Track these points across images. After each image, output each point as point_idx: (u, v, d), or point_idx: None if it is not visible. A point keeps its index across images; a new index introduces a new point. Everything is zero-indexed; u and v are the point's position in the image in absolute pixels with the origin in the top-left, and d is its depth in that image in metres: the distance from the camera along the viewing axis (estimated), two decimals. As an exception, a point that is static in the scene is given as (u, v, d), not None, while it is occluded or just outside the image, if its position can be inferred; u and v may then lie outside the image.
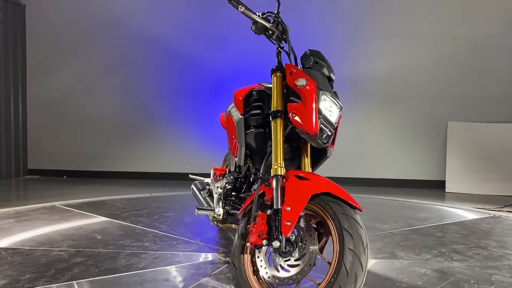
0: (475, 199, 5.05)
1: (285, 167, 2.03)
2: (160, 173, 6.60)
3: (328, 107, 1.86)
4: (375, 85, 6.05)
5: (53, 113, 6.89)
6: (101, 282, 2.16)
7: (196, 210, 2.48)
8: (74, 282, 2.15)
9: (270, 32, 1.97)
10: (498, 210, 4.30)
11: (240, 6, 1.87)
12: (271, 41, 2.04)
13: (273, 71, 1.95)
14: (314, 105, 1.79)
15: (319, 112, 1.81)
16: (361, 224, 1.61)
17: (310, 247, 1.63)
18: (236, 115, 2.15)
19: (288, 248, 1.63)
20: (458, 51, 5.87)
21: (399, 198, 5.02)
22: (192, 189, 2.88)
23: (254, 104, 2.17)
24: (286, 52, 2.02)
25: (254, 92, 2.19)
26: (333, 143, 1.96)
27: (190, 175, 3.03)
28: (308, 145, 1.99)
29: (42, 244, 2.86)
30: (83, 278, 2.20)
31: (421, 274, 2.31)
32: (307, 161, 1.98)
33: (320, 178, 1.73)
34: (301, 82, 1.84)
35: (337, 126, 1.97)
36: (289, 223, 1.61)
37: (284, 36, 2.00)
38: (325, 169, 7.37)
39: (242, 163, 2.16)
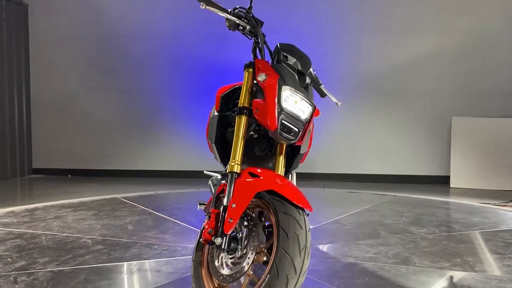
0: (480, 194, 5.02)
1: (261, 165, 2.02)
2: (165, 171, 6.69)
3: (292, 102, 1.79)
4: (378, 80, 6.05)
5: (57, 113, 6.98)
6: (98, 269, 2.33)
7: (198, 205, 2.54)
8: (78, 267, 2.35)
9: (241, 27, 1.96)
10: (503, 205, 4.24)
11: (201, 3, 1.86)
12: (247, 36, 2.02)
13: (245, 67, 1.93)
14: (273, 100, 1.75)
15: (280, 107, 1.76)
16: (302, 225, 1.52)
17: (252, 245, 1.60)
18: (213, 112, 2.16)
19: (233, 245, 1.62)
20: (462, 46, 5.83)
21: (443, 198, 4.60)
22: (209, 184, 2.96)
23: (237, 101, 2.17)
24: (259, 48, 1.98)
25: (238, 90, 2.19)
26: (302, 139, 1.88)
27: (205, 171, 3.11)
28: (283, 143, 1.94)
29: (79, 232, 3.17)
30: (88, 264, 2.40)
31: (421, 283, 2.12)
32: (280, 159, 1.93)
33: (273, 175, 1.68)
34: (262, 77, 1.80)
35: (309, 122, 1.89)
36: (232, 220, 1.59)
37: (256, 31, 1.96)
38: (330, 166, 6.79)
39: (219, 160, 2.17)
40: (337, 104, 2.40)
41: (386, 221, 3.55)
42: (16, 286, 2.07)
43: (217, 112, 2.08)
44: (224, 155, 2.11)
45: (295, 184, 2.97)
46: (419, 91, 5.98)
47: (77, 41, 6.83)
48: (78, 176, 6.88)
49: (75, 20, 6.81)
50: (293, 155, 2.02)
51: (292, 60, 1.88)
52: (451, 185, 5.60)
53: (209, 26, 6.03)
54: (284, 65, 1.87)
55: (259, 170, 1.71)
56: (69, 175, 6.91)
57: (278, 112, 1.74)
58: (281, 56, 1.89)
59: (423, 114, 5.99)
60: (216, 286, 1.69)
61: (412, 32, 5.94)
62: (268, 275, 1.47)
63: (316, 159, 5.99)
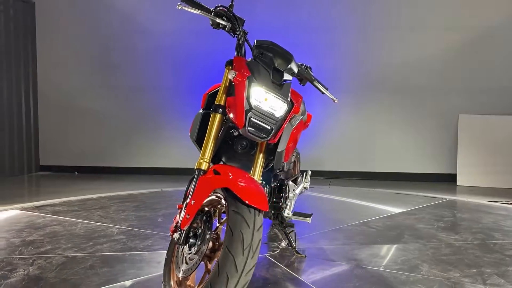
0: (487, 192, 5.02)
1: (242, 162, 2.03)
2: (173, 168, 6.66)
3: (262, 99, 1.77)
4: (385, 78, 6.03)
5: (64, 110, 7.05)
6: (106, 257, 2.51)
7: None
8: (91, 254, 2.55)
9: (221, 26, 1.98)
10: (511, 203, 4.21)
11: (178, 4, 1.90)
12: (230, 34, 2.04)
13: (226, 64, 1.96)
14: (242, 98, 1.75)
15: (249, 104, 1.76)
16: (249, 224, 1.51)
17: (205, 241, 1.63)
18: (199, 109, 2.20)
19: (192, 241, 1.66)
20: (469, 43, 5.80)
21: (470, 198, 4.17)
22: None
23: None
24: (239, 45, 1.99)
25: None
26: (276, 137, 1.85)
27: None
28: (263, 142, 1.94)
29: (113, 221, 3.42)
30: (100, 252, 2.58)
31: (414, 293, 1.98)
32: (259, 156, 1.92)
33: (235, 173, 1.67)
34: (231, 74, 1.81)
35: (286, 120, 1.86)
36: (189, 216, 1.64)
37: (240, 30, 1.97)
38: (336, 164, 6.21)
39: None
40: (333, 101, 2.32)
41: (418, 225, 3.34)
42: (30, 268, 2.31)
43: (201, 110, 2.13)
44: None
45: (306, 182, 2.93)
46: (425, 89, 5.95)
47: (83, 38, 6.90)
48: (84, 173, 6.98)
49: (81, 17, 6.87)
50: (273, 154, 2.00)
51: (267, 57, 1.85)
52: (458, 183, 5.58)
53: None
54: (259, 62, 1.85)
55: (222, 168, 1.72)
56: (76, 172, 6.99)
57: (246, 109, 1.74)
58: (257, 53, 1.88)
59: (430, 111, 5.95)
60: (180, 279, 1.74)
61: (420, 29, 5.92)
62: (211, 273, 1.49)
63: (323, 157, 5.94)
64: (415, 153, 6.05)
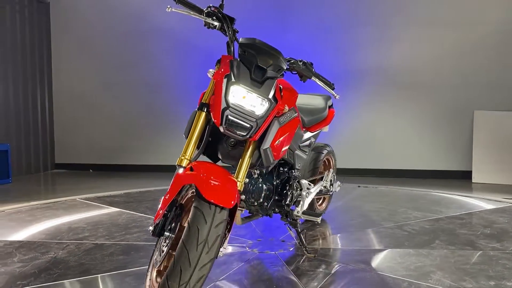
0: (503, 190, 4.92)
1: (232, 159, 2.06)
2: None
3: (240, 97, 1.79)
4: (399, 74, 5.93)
5: (78, 108, 7.12)
6: (127, 246, 2.70)
7: None
8: (116, 242, 2.77)
9: (212, 26, 2.03)
10: None
11: (168, 7, 1.98)
12: (223, 33, 2.08)
13: (216, 63, 2.00)
14: (220, 96, 1.79)
15: (226, 102, 1.78)
16: (207, 220, 1.54)
17: (173, 235, 1.70)
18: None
19: (166, 233, 1.75)
20: (484, 38, 5.63)
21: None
22: None
23: None
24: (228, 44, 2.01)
25: None
26: (257, 134, 1.85)
27: None
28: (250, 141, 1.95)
29: (154, 213, 3.64)
30: (125, 241, 2.80)
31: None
32: (246, 155, 1.93)
33: (207, 170, 1.69)
34: (210, 73, 1.86)
35: (267, 119, 1.86)
36: (161, 211, 1.73)
37: (229, 29, 2.00)
38: (347, 161, 5.96)
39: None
40: (335, 97, 2.25)
41: (460, 230, 3.07)
42: (60, 252, 2.59)
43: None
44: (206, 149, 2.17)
45: (327, 181, 2.84)
46: (440, 85, 5.82)
47: (97, 37, 6.96)
48: (98, 171, 7.04)
49: (94, 16, 6.95)
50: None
51: (250, 55, 1.86)
52: (473, 180, 5.49)
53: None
54: (240, 60, 1.88)
55: (200, 165, 1.77)
56: (91, 170, 7.06)
57: (224, 107, 1.78)
58: (241, 51, 1.89)
59: (445, 108, 5.83)
60: (160, 270, 1.84)
61: (435, 24, 5.76)
62: (169, 266, 1.56)
63: (335, 153, 5.68)
64: (429, 149, 5.93)
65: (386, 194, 4.59)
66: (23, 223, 3.36)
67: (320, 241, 2.85)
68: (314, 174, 3.11)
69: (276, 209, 2.39)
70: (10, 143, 6.03)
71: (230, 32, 1.99)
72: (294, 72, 2.16)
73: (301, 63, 2.15)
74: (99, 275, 2.20)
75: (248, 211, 2.44)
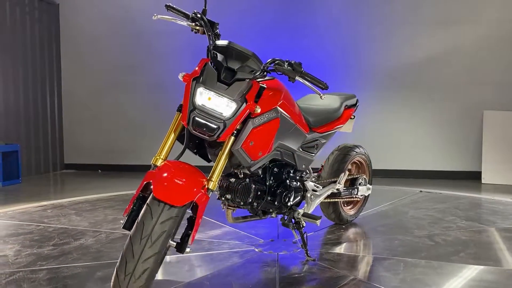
0: None
1: (213, 158, 2.15)
2: (200, 166, 6.25)
3: (206, 99, 1.86)
4: (408, 73, 5.88)
5: (87, 109, 7.05)
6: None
7: None
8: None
9: (194, 31, 2.15)
10: None
11: (154, 15, 2.15)
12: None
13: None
14: (187, 98, 1.88)
15: (193, 104, 1.87)
16: (153, 216, 1.65)
17: None
18: None
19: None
20: (495, 37, 5.56)
21: None
22: None
23: None
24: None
25: None
26: (224, 135, 1.88)
27: None
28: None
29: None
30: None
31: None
32: (221, 157, 1.93)
33: (169, 169, 1.80)
34: (180, 76, 1.94)
35: (236, 120, 1.90)
36: (129, 206, 1.89)
37: (209, 33, 2.07)
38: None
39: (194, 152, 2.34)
40: (320, 97, 2.18)
41: (499, 245, 2.75)
42: (90, 239, 2.90)
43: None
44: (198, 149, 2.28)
45: (340, 184, 2.74)
46: (449, 84, 5.74)
47: (105, 38, 6.94)
48: (107, 171, 6.99)
49: (103, 18, 6.93)
50: None
51: (220, 57, 1.91)
52: (483, 181, 5.40)
53: (235, 23, 5.89)
54: (212, 62, 1.96)
55: (167, 164, 1.85)
56: (99, 170, 7.01)
57: (191, 109, 1.87)
58: (213, 54, 1.96)
59: (454, 108, 5.75)
60: None
61: (443, 23, 5.69)
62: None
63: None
64: (438, 150, 5.84)
65: (445, 201, 4.23)
66: (80, 212, 3.81)
67: (329, 246, 2.80)
68: (338, 175, 3.02)
69: (271, 210, 2.41)
70: (20, 144, 5.99)
71: (210, 36, 2.07)
72: (279, 73, 2.17)
73: (287, 63, 2.15)
74: (107, 261, 2.45)
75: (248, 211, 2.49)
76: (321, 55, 6.00)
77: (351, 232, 3.15)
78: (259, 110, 1.97)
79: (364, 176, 3.27)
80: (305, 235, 2.52)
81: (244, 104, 1.93)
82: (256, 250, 2.67)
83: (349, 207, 3.34)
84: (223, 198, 2.30)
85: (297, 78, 2.07)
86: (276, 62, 2.08)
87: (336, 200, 3.03)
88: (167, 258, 2.41)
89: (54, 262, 2.44)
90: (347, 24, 6.04)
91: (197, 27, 2.11)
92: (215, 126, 1.86)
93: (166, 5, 2.15)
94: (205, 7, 2.12)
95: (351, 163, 3.17)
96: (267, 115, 2.07)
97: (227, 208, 2.38)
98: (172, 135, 1.99)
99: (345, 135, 3.20)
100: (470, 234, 3.01)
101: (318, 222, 2.46)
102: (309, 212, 2.53)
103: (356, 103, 3.10)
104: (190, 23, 2.12)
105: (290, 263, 2.48)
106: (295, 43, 6.01)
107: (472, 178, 5.59)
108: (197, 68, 1.97)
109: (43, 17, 6.79)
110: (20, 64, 6.36)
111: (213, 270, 2.36)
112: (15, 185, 5.56)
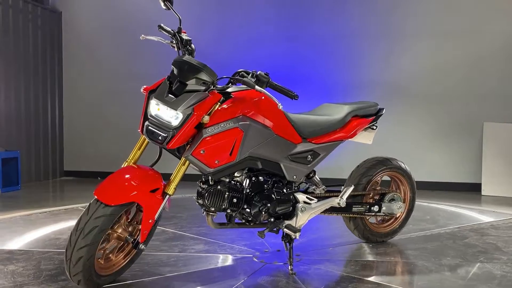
0: None
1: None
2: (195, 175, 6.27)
3: (155, 110, 2.08)
4: (408, 85, 5.92)
5: (87, 116, 7.07)
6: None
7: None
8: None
9: (172, 47, 2.39)
10: None
11: (142, 36, 2.46)
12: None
13: None
14: (143, 109, 2.14)
15: (146, 115, 2.11)
16: (89, 212, 1.99)
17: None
18: None
19: None
20: (494, 48, 5.63)
21: None
22: None
23: None
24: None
25: None
26: (172, 143, 2.07)
27: None
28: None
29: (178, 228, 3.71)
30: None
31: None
32: (180, 162, 2.22)
33: (120, 171, 2.20)
34: (141, 89, 2.20)
35: (184, 128, 2.05)
36: None
37: (179, 49, 2.34)
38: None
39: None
40: (277, 106, 2.19)
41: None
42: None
43: None
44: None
45: (342, 198, 2.65)
46: (449, 96, 5.78)
47: (107, 46, 6.99)
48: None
49: (105, 26, 6.98)
50: None
51: (175, 71, 2.13)
52: (483, 193, 5.43)
53: (240, 32, 6.07)
54: (167, 77, 2.16)
55: (127, 167, 2.26)
56: (99, 178, 6.87)
57: (146, 119, 2.12)
58: (171, 68, 2.17)
59: (454, 119, 5.80)
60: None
61: (443, 35, 5.75)
62: None
63: (343, 164, 5.41)
64: (438, 161, 5.86)
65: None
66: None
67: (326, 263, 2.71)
68: (363, 189, 2.95)
69: (249, 218, 2.40)
70: (20, 150, 5.99)
71: (179, 52, 2.34)
72: (238, 84, 2.28)
73: (250, 75, 2.22)
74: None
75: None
76: (321, 66, 6.04)
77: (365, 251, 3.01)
78: (206, 120, 2.10)
79: (396, 193, 3.06)
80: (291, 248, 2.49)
81: (191, 114, 2.06)
82: (257, 260, 2.69)
83: (383, 226, 3.11)
84: (197, 203, 2.38)
85: (264, 88, 2.18)
86: (240, 73, 2.28)
87: (354, 216, 2.89)
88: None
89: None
90: (348, 36, 6.07)
91: (173, 45, 2.38)
92: (165, 135, 2.06)
93: (158, 26, 2.47)
94: (180, 25, 2.40)
95: (381, 177, 3.05)
96: (222, 125, 2.16)
97: (206, 213, 2.39)
98: (140, 141, 2.30)
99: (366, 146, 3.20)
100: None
101: (297, 235, 2.43)
102: (296, 225, 2.50)
103: (376, 112, 2.97)
104: (168, 42, 2.43)
105: (276, 272, 2.47)
106: (292, 56, 6.02)
107: (472, 189, 5.61)
108: (157, 82, 2.19)
109: (46, 24, 6.83)
110: (21, 71, 6.39)
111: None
112: (15, 191, 5.57)
